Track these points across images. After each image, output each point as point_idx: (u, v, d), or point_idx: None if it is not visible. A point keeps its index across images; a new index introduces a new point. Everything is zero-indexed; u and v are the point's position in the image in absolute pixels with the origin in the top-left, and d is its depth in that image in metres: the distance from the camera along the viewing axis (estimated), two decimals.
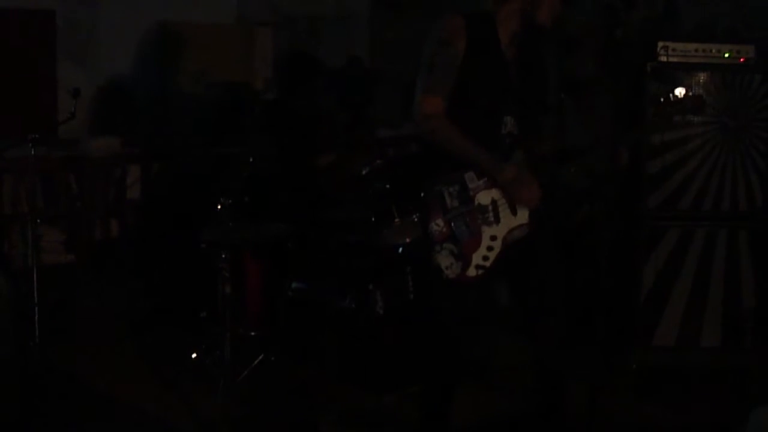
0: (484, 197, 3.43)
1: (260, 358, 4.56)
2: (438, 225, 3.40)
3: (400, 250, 4.70)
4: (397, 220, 4.79)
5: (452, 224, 3.40)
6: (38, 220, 4.98)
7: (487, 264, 3.40)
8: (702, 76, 4.64)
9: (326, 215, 5.21)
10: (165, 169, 6.31)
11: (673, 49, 4.65)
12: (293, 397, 4.45)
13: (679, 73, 4.64)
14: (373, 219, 4.85)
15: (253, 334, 4.68)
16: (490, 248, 3.41)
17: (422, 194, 3.45)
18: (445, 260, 3.40)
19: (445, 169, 3.44)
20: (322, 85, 5.56)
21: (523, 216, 3.47)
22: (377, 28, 7.45)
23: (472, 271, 3.40)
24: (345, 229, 5.03)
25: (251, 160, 4.80)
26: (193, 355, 4.66)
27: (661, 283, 4.74)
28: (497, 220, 3.43)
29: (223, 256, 4.25)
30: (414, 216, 4.70)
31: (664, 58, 4.64)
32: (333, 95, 6.39)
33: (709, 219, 4.73)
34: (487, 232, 3.42)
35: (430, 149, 3.48)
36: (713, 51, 4.67)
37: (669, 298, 4.74)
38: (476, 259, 3.40)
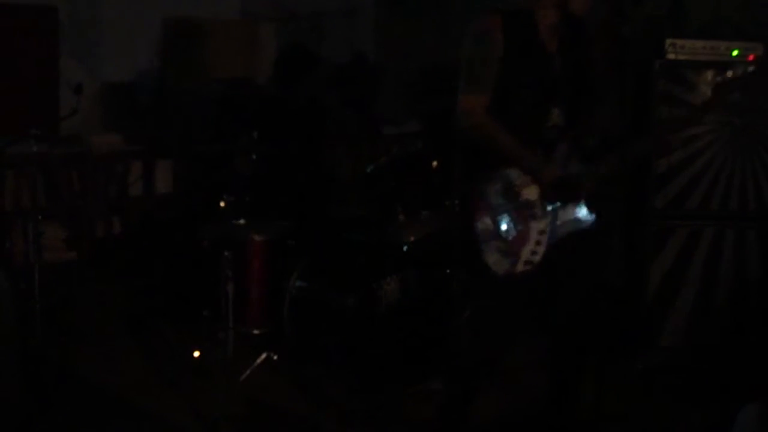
0: (530, 192, 3.40)
1: (263, 357, 4.53)
2: (484, 223, 3.36)
3: (405, 248, 4.67)
4: (401, 218, 4.76)
5: (498, 221, 3.36)
6: (40, 217, 4.95)
7: (536, 259, 3.38)
8: (710, 74, 4.60)
9: (330, 213, 5.18)
10: (167, 166, 6.29)
11: (681, 47, 4.62)
12: (295, 396, 4.41)
13: (687, 70, 4.60)
14: (377, 217, 4.82)
15: (255, 332, 4.65)
16: (538, 243, 3.38)
17: (466, 193, 3.42)
18: (492, 257, 3.36)
19: (488, 166, 3.40)
20: (321, 78, 5.52)
21: (573, 210, 3.44)
22: (382, 24, 7.41)
23: (521, 266, 3.36)
24: (349, 227, 5.00)
25: (254, 157, 4.77)
26: (195, 354, 4.64)
27: (669, 282, 4.70)
28: (545, 214, 3.39)
29: (226, 254, 4.21)
30: (420, 214, 4.68)
31: (672, 56, 4.61)
32: (337, 92, 6.36)
33: (717, 218, 4.69)
34: (534, 227, 3.39)
35: (473, 147, 3.46)
36: (722, 49, 4.63)
37: (676, 298, 4.71)
38: (525, 254, 3.37)
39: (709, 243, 4.70)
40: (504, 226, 3.37)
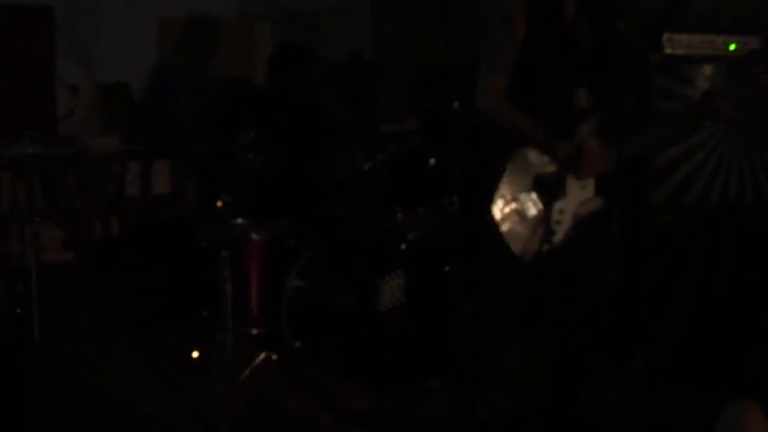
0: (548, 172, 3.38)
1: (262, 356, 4.52)
2: (502, 203, 3.34)
3: (403, 246, 4.66)
4: (399, 215, 4.75)
5: (517, 201, 3.36)
6: (37, 218, 4.95)
7: (555, 238, 3.35)
8: (707, 69, 4.59)
9: (328, 211, 5.17)
10: (164, 167, 6.28)
11: (678, 42, 4.60)
12: (295, 396, 4.41)
13: (685, 65, 4.59)
14: (375, 215, 4.81)
15: (254, 332, 4.64)
16: (558, 222, 3.36)
17: (486, 173, 3.42)
18: (512, 237, 3.34)
19: (506, 147, 3.40)
20: (317, 76, 5.52)
21: (592, 188, 3.43)
22: (378, 22, 7.41)
23: (538, 245, 3.32)
24: (347, 226, 4.99)
25: (251, 156, 4.76)
26: (194, 354, 4.63)
27: (667, 277, 4.69)
28: (564, 194, 3.38)
29: (224, 254, 4.21)
30: (418, 212, 4.67)
31: (669, 51, 4.60)
32: (334, 90, 6.36)
33: (716, 213, 4.68)
34: (554, 207, 3.34)
35: (491, 128, 3.47)
36: (719, 43, 4.62)
37: (675, 293, 4.70)
38: (545, 234, 3.32)
39: (707, 237, 4.69)
40: (523, 206, 3.36)
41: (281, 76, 5.28)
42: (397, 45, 7.12)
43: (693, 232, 4.69)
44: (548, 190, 3.34)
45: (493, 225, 3.33)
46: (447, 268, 4.75)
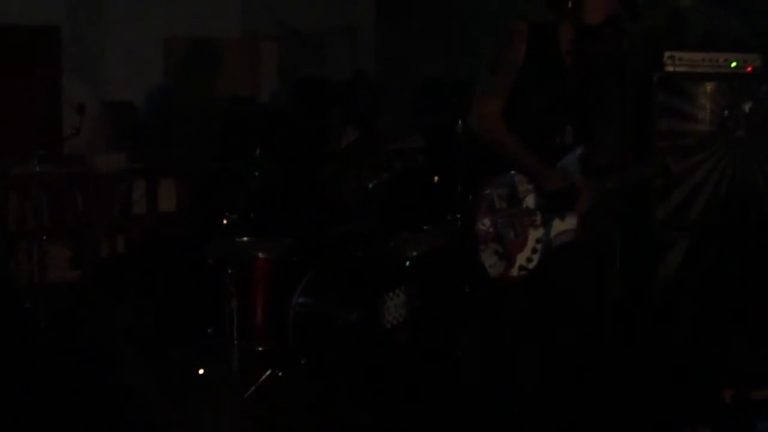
0: (532, 200, 3.44)
1: (267, 373, 4.53)
2: (484, 225, 3.42)
3: (407, 263, 4.68)
4: (403, 232, 4.77)
5: (498, 225, 3.42)
6: (44, 237, 4.97)
7: (531, 266, 3.42)
8: (709, 86, 4.62)
9: (332, 229, 5.19)
10: (170, 185, 6.30)
11: (680, 59, 4.64)
12: (301, 412, 4.42)
13: (686, 83, 4.62)
14: (379, 232, 4.83)
15: (260, 349, 4.66)
16: (534, 250, 3.42)
17: (470, 195, 3.49)
18: (488, 259, 3.42)
19: (496, 170, 3.46)
20: (330, 101, 5.58)
21: (571, 221, 3.46)
22: (382, 41, 7.45)
23: (514, 272, 3.41)
24: (351, 243, 5.01)
25: (256, 174, 4.79)
26: (200, 371, 4.64)
27: (670, 293, 4.70)
28: (544, 224, 3.42)
29: (230, 271, 4.23)
30: (422, 229, 4.69)
31: (670, 68, 4.63)
32: (339, 109, 6.39)
33: (718, 229, 4.70)
34: (533, 234, 3.43)
35: (481, 150, 3.53)
36: (720, 60, 4.66)
37: (678, 309, 4.71)
38: (520, 260, 3.42)
39: (710, 253, 4.70)
40: (503, 230, 3.41)
41: (301, 104, 5.35)
42: (401, 63, 7.16)
43: (696, 248, 4.71)
44: (543, 213, 3.41)
45: (474, 247, 3.40)
46: (451, 285, 4.77)
